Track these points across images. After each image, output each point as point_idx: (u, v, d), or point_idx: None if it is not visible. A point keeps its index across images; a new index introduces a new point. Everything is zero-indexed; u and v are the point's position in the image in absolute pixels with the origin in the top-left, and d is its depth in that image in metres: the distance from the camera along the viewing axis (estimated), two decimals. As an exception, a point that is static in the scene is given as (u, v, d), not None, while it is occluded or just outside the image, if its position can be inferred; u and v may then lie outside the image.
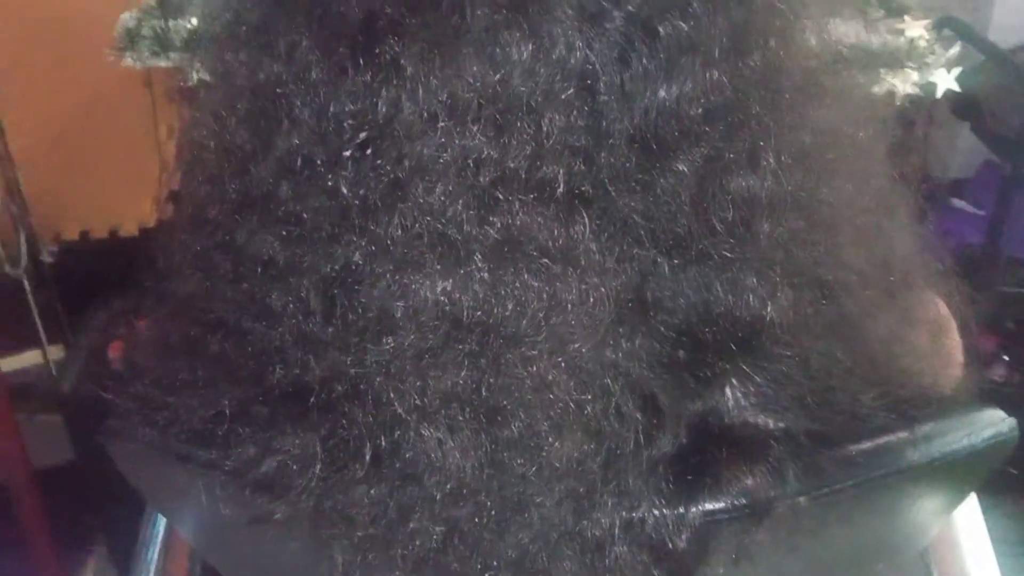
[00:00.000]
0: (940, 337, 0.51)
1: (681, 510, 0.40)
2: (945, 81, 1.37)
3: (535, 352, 0.37)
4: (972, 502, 0.61)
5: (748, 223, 0.39)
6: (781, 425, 0.42)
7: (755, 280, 0.40)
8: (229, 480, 0.41)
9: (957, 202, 1.71)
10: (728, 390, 0.42)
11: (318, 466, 0.39)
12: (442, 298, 0.36)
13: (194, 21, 1.41)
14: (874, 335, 0.44)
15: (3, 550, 1.31)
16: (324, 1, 0.37)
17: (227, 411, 0.41)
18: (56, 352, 1.48)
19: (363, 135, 0.36)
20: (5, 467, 1.27)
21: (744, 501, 0.40)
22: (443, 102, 0.35)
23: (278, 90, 0.38)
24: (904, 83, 1.35)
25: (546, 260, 0.36)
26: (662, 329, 0.40)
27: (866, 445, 0.42)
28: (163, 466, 0.44)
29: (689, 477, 0.41)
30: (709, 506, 0.40)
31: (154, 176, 1.75)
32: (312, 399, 0.39)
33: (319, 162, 0.37)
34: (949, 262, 0.53)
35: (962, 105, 1.65)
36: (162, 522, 0.63)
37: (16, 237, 1.36)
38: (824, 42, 0.42)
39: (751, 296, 0.40)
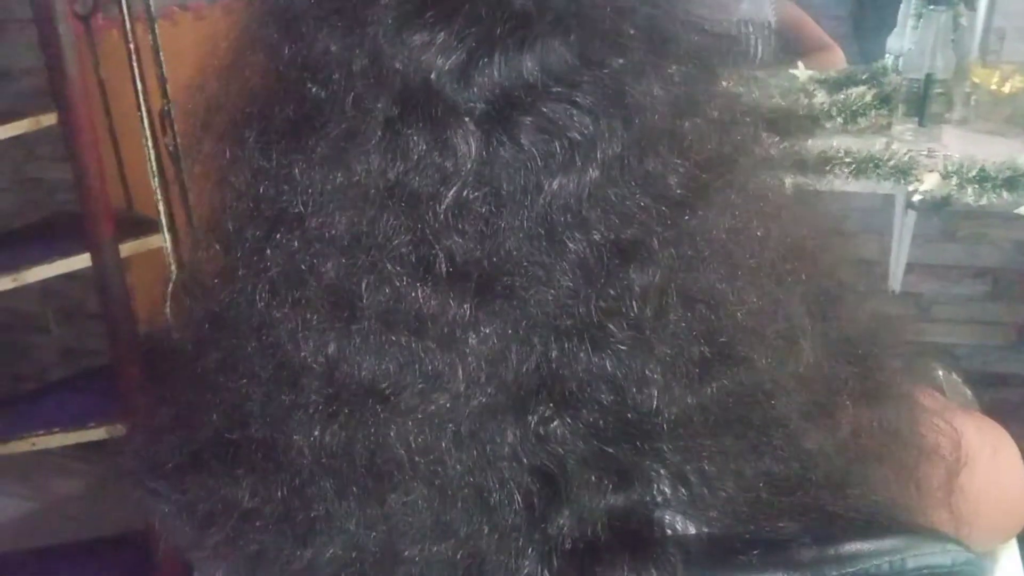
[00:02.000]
0: (934, 461, 0.48)
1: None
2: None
3: (418, 418, 0.40)
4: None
5: (641, 313, 0.40)
6: (687, 526, 0.42)
7: (655, 371, 0.41)
8: (181, 514, 0.47)
9: None
10: (637, 484, 0.42)
11: (242, 506, 0.44)
12: (334, 357, 0.40)
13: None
14: (807, 441, 0.43)
15: None
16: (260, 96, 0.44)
17: (185, 455, 0.47)
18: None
19: (272, 212, 0.42)
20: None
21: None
22: (342, 186, 0.40)
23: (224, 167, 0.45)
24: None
25: (430, 333, 0.40)
26: (568, 417, 0.41)
27: (774, 557, 0.41)
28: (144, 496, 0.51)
29: (581, 563, 0.41)
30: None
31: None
32: (238, 448, 0.44)
33: (247, 235, 0.43)
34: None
35: None
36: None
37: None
38: (723, 143, 0.43)
39: (651, 388, 0.41)
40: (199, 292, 0.47)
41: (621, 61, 0.40)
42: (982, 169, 1.30)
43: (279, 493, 0.42)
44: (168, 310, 0.51)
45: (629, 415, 0.41)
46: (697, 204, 0.41)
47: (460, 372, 0.40)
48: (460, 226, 0.40)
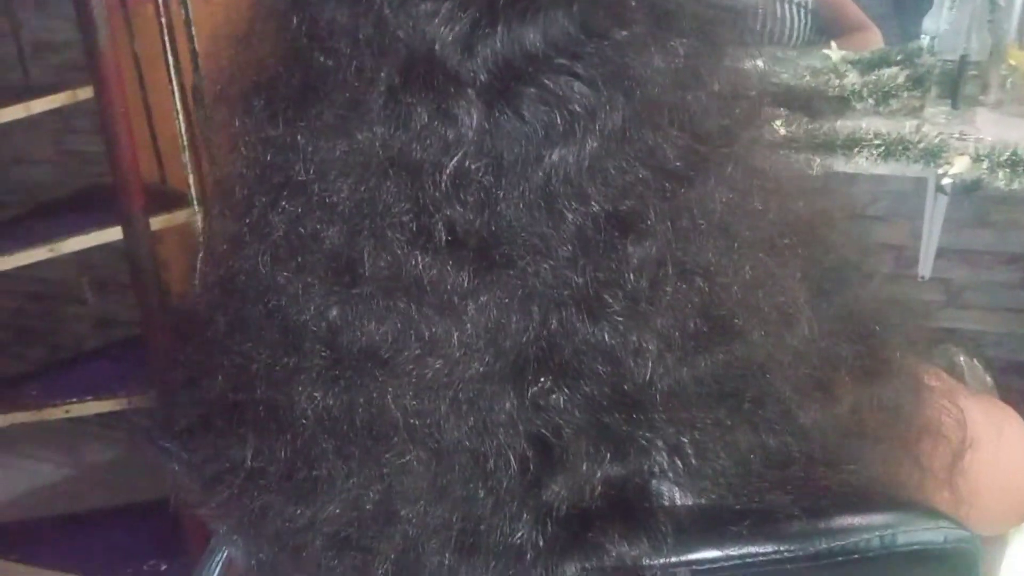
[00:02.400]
0: (936, 440, 0.48)
1: (556, 562, 0.41)
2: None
3: (414, 382, 0.41)
4: None
5: (637, 284, 0.41)
6: (678, 497, 0.43)
7: (650, 343, 0.41)
8: (191, 473, 0.49)
9: None
10: (632, 453, 0.43)
11: (247, 464, 0.45)
12: (335, 321, 0.41)
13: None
14: (804, 417, 0.43)
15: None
16: (270, 65, 0.45)
17: (194, 418, 0.48)
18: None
19: (279, 179, 0.43)
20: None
21: (621, 567, 0.41)
22: (343, 153, 0.41)
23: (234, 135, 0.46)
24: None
25: (428, 300, 0.40)
26: (565, 387, 0.42)
27: (767, 528, 0.41)
28: (158, 455, 0.52)
29: (574, 531, 0.42)
30: (582, 565, 0.41)
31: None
32: (245, 409, 0.45)
33: (256, 200, 0.44)
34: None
35: None
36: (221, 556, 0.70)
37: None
38: (724, 117, 0.43)
39: (646, 358, 0.41)
40: (212, 259, 0.49)
41: (624, 33, 0.41)
42: (1015, 152, 1.27)
43: (282, 453, 0.44)
44: (196, 280, 0.53)
45: (625, 386, 0.42)
46: (696, 177, 0.41)
47: (456, 338, 0.41)
48: (460, 196, 0.40)
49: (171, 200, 1.71)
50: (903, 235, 1.76)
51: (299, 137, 0.42)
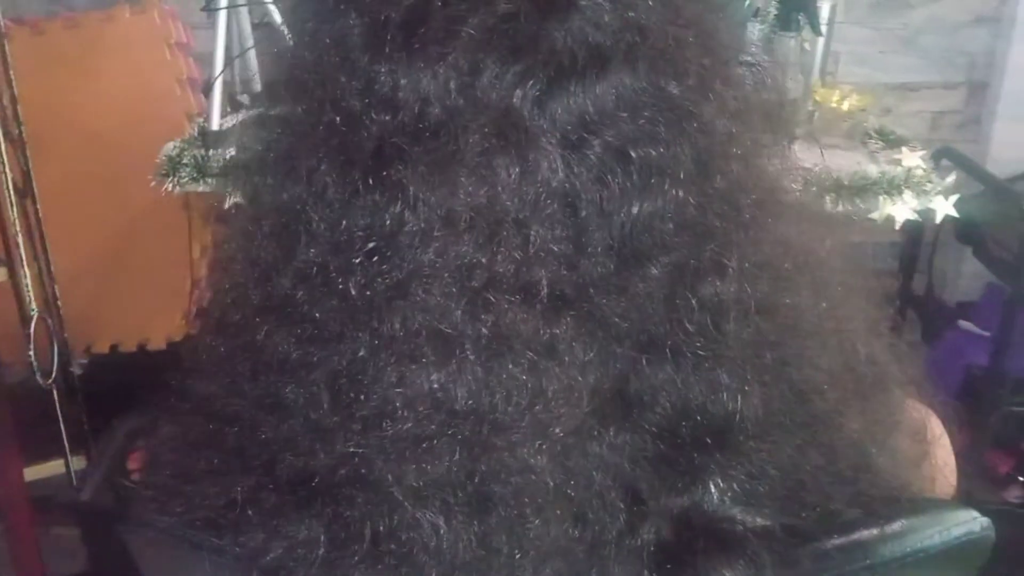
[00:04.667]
0: (921, 443, 0.54)
1: (662, 600, 0.42)
2: (943, 208, 1.43)
3: (519, 437, 0.40)
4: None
5: (717, 325, 0.43)
6: (759, 521, 0.45)
7: (726, 378, 0.43)
8: (238, 566, 0.44)
9: (964, 324, 1.74)
10: (711, 486, 0.44)
11: (320, 550, 0.42)
12: (437, 389, 0.40)
13: (231, 151, 1.52)
14: (844, 434, 0.47)
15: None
16: (340, 132, 0.43)
17: (239, 498, 0.44)
18: (78, 463, 1.52)
19: (371, 245, 0.41)
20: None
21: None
22: (440, 216, 0.40)
23: (298, 207, 0.44)
24: (902, 209, 1.42)
25: (531, 354, 0.40)
26: (644, 424, 0.43)
27: (839, 540, 0.45)
28: (177, 553, 0.47)
29: (670, 567, 0.43)
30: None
31: (184, 292, 1.83)
32: (316, 486, 0.42)
33: (332, 269, 0.42)
34: (922, 373, 0.55)
35: (965, 231, 1.71)
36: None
37: (50, 350, 1.42)
38: (782, 165, 0.47)
39: (723, 393, 0.43)
40: (246, 332, 0.45)
41: (686, 84, 0.43)
42: (837, 179, 1.43)
43: (367, 527, 0.41)
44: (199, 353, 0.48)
45: (701, 419, 0.44)
46: (760, 217, 0.44)
47: (554, 390, 0.41)
48: (553, 249, 0.41)
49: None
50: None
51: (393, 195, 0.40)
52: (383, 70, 0.42)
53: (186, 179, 1.49)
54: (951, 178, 1.48)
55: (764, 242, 0.45)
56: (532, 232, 0.41)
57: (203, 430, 0.48)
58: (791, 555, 0.44)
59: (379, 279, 0.41)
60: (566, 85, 0.41)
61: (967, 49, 1.82)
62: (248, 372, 0.46)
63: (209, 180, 1.50)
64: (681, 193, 0.42)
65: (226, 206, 1.57)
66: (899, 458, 0.51)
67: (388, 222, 0.41)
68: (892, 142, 1.59)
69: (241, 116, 1.66)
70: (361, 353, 0.41)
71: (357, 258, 0.41)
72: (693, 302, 0.43)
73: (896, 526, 0.45)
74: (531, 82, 0.41)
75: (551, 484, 0.41)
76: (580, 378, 0.41)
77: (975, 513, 0.47)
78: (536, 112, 0.41)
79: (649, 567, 0.43)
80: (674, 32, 0.43)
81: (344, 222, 0.42)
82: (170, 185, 1.48)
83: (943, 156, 1.69)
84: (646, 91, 0.42)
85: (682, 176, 0.42)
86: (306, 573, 0.42)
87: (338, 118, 0.43)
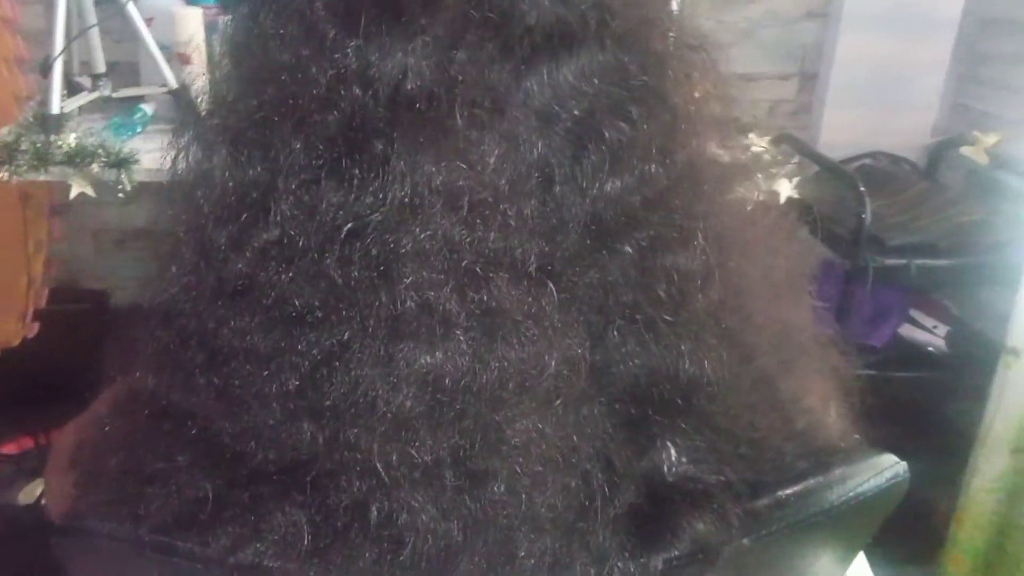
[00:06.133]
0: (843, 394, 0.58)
1: (643, 561, 0.44)
2: (786, 189, 1.54)
3: (517, 412, 0.41)
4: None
5: (684, 294, 0.45)
6: (721, 477, 0.47)
7: (691, 344, 0.46)
8: (210, 567, 0.42)
9: (806, 297, 1.88)
10: (670, 447, 0.46)
11: (305, 541, 0.41)
12: (429, 368, 0.39)
13: (73, 138, 1.41)
14: (787, 391, 0.51)
15: None
16: (308, 107, 0.41)
17: (209, 495, 0.42)
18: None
19: (351, 224, 0.40)
20: None
21: (698, 547, 0.45)
22: (429, 191, 0.39)
23: (264, 185, 0.42)
24: (752, 191, 1.52)
25: (523, 329, 0.41)
26: (615, 393, 0.45)
27: (793, 489, 0.48)
28: (132, 561, 0.44)
29: (648, 529, 0.45)
30: (667, 555, 0.44)
31: (20, 293, 1.68)
32: (298, 476, 0.41)
33: (308, 251, 0.40)
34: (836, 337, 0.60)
35: (800, 210, 1.85)
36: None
37: None
38: (725, 148, 0.50)
39: (687, 360, 0.46)
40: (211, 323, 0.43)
41: (650, 63, 0.45)
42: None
43: (355, 516, 0.40)
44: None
45: (666, 385, 0.46)
46: (715, 191, 0.47)
47: (548, 357, 0.41)
48: (533, 225, 0.41)
49: None
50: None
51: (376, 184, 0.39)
52: (352, 44, 0.41)
53: (24, 167, 1.37)
54: (794, 161, 1.60)
55: (719, 215, 0.48)
56: (515, 209, 0.41)
57: (155, 428, 0.45)
58: (753, 507, 0.47)
59: (362, 260, 0.40)
60: (540, 61, 0.42)
61: (800, 41, 1.96)
62: (204, 363, 0.43)
63: (52, 169, 1.38)
64: (651, 168, 0.44)
65: (71, 196, 1.46)
66: (832, 409, 0.55)
67: (368, 200, 0.40)
68: (740, 128, 1.70)
69: (82, 99, 1.54)
70: (346, 336, 0.40)
71: (335, 236, 0.40)
72: (662, 273, 0.44)
73: (838, 472, 0.49)
74: (507, 57, 0.41)
75: (544, 456, 0.42)
76: (579, 350, 0.42)
77: (895, 458, 0.52)
78: (513, 87, 0.41)
79: (628, 530, 0.44)
80: (635, 13, 0.45)
81: (323, 201, 0.40)
82: (6, 174, 1.36)
83: (783, 142, 1.82)
84: (615, 68, 0.43)
85: (653, 151, 0.44)
86: (289, 566, 0.41)
87: (304, 92, 0.41)
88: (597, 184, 0.43)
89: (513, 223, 0.41)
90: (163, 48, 1.52)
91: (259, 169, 0.42)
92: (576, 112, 0.43)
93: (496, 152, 0.41)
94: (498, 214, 0.41)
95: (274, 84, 0.42)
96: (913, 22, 1.91)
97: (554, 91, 0.42)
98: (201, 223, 0.44)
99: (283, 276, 0.41)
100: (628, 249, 0.44)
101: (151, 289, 0.47)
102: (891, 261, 1.60)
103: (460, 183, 0.40)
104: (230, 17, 0.46)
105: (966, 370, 1.73)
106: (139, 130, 1.53)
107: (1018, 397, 1.52)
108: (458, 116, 0.40)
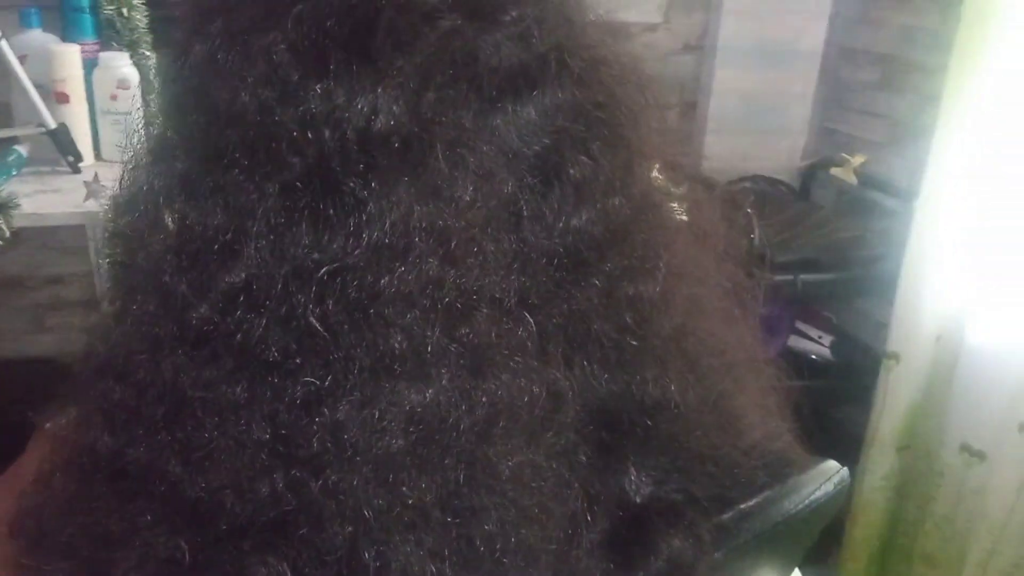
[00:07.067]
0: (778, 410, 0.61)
1: (624, 581, 0.45)
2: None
3: (507, 446, 0.41)
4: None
5: (648, 321, 0.47)
6: (689, 495, 0.49)
7: (656, 369, 0.47)
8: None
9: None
10: (640, 469, 0.48)
11: None
12: (416, 407, 0.39)
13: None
14: (740, 408, 0.53)
15: None
16: (274, 149, 0.40)
17: (184, 556, 0.40)
18: None
19: (327, 266, 0.39)
20: None
21: (674, 564, 0.46)
22: (405, 231, 0.39)
23: (230, 230, 0.40)
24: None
25: (508, 363, 0.41)
26: (584, 419, 0.46)
27: (755, 501, 0.50)
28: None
29: (628, 551, 0.46)
30: (647, 573, 0.45)
31: None
32: (281, 526, 0.39)
33: (281, 295, 0.40)
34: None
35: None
36: None
37: None
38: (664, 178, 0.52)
39: (651, 384, 0.47)
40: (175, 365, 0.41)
41: (605, 100, 0.46)
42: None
43: (358, 556, 0.39)
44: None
45: (633, 410, 0.47)
46: (669, 219, 0.49)
47: (532, 391, 0.42)
48: (507, 261, 0.42)
49: None
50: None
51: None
52: (319, 86, 0.40)
53: None
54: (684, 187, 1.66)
55: (674, 245, 0.50)
56: (493, 243, 0.41)
57: (116, 487, 0.42)
58: (720, 521, 0.48)
59: (340, 299, 0.39)
60: (506, 100, 0.43)
61: (678, 73, 2.05)
62: (165, 416, 0.42)
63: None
64: (614, 201, 0.45)
65: None
66: (777, 421, 0.58)
67: (347, 239, 0.39)
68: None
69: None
70: (327, 382, 0.39)
71: (310, 279, 0.39)
72: (627, 302, 0.46)
73: (791, 482, 0.52)
74: (474, 97, 0.42)
75: (535, 488, 0.42)
76: (565, 382, 0.43)
77: (837, 464, 0.56)
78: (482, 125, 0.42)
79: (609, 554, 0.45)
80: (589, 53, 0.46)
81: (290, 243, 0.39)
82: None
83: (670, 168, 1.90)
84: (573, 106, 0.45)
85: (616, 185, 0.45)
86: None
87: (270, 134, 0.40)
88: (563, 218, 0.44)
89: (492, 259, 0.41)
90: (39, 87, 1.45)
91: (222, 214, 0.41)
92: (539, 148, 0.44)
93: (471, 189, 0.41)
94: (477, 250, 0.41)
95: (237, 127, 0.41)
96: (780, 54, 2.04)
97: (519, 129, 0.43)
98: (157, 270, 0.42)
99: (254, 322, 0.40)
100: (596, 281, 0.45)
101: (98, 341, 0.45)
102: (779, 277, 1.69)
103: (439, 221, 0.40)
104: (176, 59, 0.45)
105: (851, 376, 1.84)
106: (14, 173, 1.44)
107: (900, 398, 1.63)
108: (433, 155, 0.41)
